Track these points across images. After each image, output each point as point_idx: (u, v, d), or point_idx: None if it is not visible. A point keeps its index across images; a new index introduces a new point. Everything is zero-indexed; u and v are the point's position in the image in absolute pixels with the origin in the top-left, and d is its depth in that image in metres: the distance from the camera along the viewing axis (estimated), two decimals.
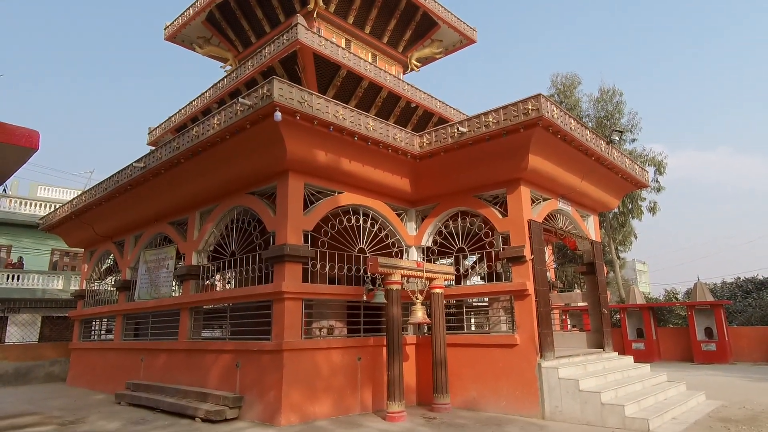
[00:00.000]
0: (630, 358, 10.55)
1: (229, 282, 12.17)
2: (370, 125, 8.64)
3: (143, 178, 10.38)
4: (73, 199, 13.83)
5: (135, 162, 10.59)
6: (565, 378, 7.82)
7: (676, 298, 24.86)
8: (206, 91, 13.68)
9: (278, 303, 8.01)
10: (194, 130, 8.87)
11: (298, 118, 7.62)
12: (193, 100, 14.14)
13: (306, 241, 8.40)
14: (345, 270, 9.03)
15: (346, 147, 8.55)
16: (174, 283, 11.38)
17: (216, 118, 8.38)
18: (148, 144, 15.76)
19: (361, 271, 9.19)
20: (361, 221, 9.48)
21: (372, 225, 9.72)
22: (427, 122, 14.05)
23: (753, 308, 21.34)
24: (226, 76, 13.21)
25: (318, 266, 8.59)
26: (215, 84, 13.41)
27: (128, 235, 12.90)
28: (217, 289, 11.83)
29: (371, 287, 8.89)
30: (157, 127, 15.64)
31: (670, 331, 19.95)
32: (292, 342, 7.74)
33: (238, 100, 7.84)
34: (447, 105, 14.35)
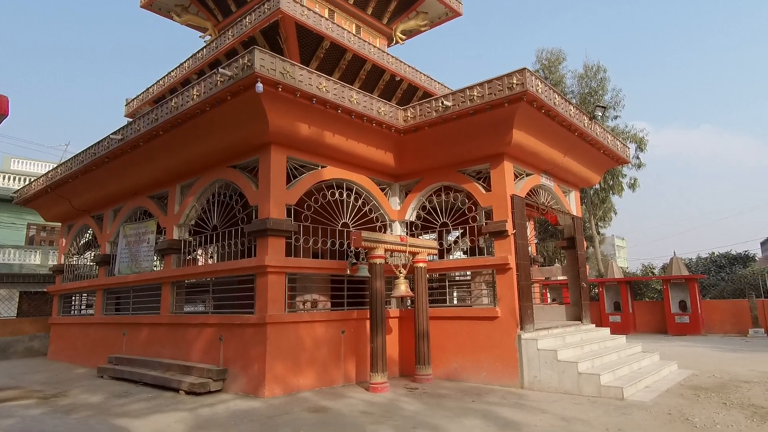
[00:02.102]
0: (607, 330, 10.84)
1: (211, 257, 12.08)
2: (353, 98, 8.52)
3: (121, 151, 10.14)
4: (49, 171, 13.47)
5: (112, 134, 10.32)
6: (543, 349, 8.01)
7: (653, 273, 25.50)
8: (185, 62, 13.30)
9: (261, 277, 7.99)
10: (173, 101, 8.65)
11: (280, 89, 7.46)
12: (172, 71, 13.75)
13: (289, 215, 8.34)
14: (329, 244, 9.02)
15: (329, 120, 8.43)
16: (155, 258, 11.25)
17: (195, 90, 8.16)
18: (126, 116, 15.36)
19: (345, 246, 9.20)
20: (344, 196, 9.44)
21: (356, 199, 9.69)
22: (412, 96, 13.91)
23: (725, 282, 22.05)
24: (205, 47, 12.84)
25: (301, 240, 8.56)
26: (194, 54, 13.04)
27: (107, 209, 12.66)
28: (200, 263, 11.74)
29: (355, 261, 8.91)
30: (135, 98, 15.21)
31: (646, 304, 20.52)
32: (275, 315, 7.77)
33: (218, 70, 7.64)
34: (432, 79, 14.21)
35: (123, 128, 10.07)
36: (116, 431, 5.74)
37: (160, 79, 14.12)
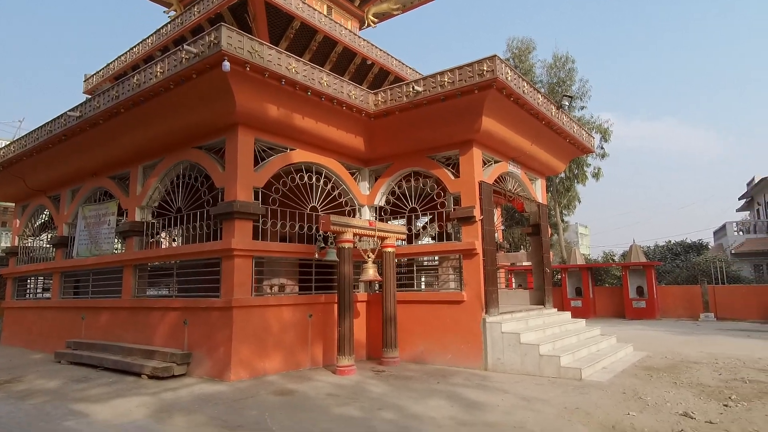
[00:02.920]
0: (568, 314, 11.19)
1: (175, 240, 11.80)
2: (324, 80, 8.40)
3: (79, 129, 9.72)
4: (1, 149, 12.81)
5: (70, 111, 9.87)
6: (507, 332, 8.22)
7: (613, 260, 26.43)
8: (148, 38, 12.81)
9: (227, 260, 7.87)
10: (135, 78, 8.33)
11: (248, 69, 7.28)
12: (134, 47, 13.22)
13: (256, 198, 8.22)
14: (297, 228, 8.94)
15: (298, 102, 8.30)
16: (116, 240, 10.91)
17: (159, 66, 7.87)
18: (85, 93, 14.71)
19: (314, 230, 9.14)
20: (314, 179, 9.35)
21: (325, 183, 9.61)
22: (383, 81, 13.82)
23: (680, 269, 23.07)
24: (170, 22, 12.37)
25: (269, 224, 8.46)
26: (158, 30, 12.56)
27: (64, 189, 12.17)
28: (163, 246, 11.46)
29: (323, 245, 8.88)
30: (94, 74, 14.58)
31: (606, 290, 21.29)
32: (241, 299, 7.68)
33: (183, 47, 7.39)
34: (403, 64, 14.15)
35: (81, 105, 9.65)
36: (75, 417, 5.60)
37: (122, 55, 13.56)
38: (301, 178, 9.14)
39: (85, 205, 11.45)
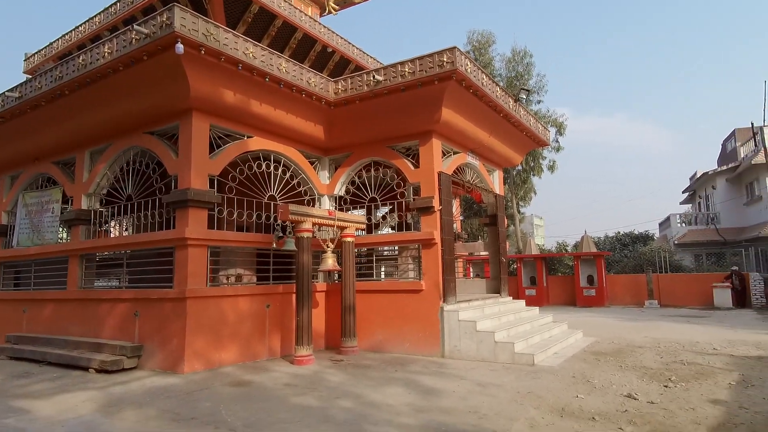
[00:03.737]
0: (522, 302, 11.53)
1: (126, 229, 11.33)
2: (282, 66, 8.22)
3: (19, 110, 9.14)
4: None
5: (8, 91, 9.26)
6: (464, 320, 8.39)
7: (566, 250, 27.37)
8: (95, 16, 12.14)
9: (181, 250, 7.63)
10: (81, 58, 7.89)
11: (203, 52, 7.02)
12: (80, 25, 12.51)
13: (212, 186, 7.99)
14: (254, 217, 8.77)
15: (256, 88, 8.10)
16: (61, 229, 10.38)
17: (107, 47, 7.48)
18: (25, 72, 13.83)
19: (272, 219, 8.99)
20: (272, 168, 9.18)
21: (283, 172, 9.46)
22: (344, 69, 13.67)
23: (628, 258, 24.17)
24: (119, 0, 11.77)
25: (225, 213, 8.25)
26: (106, 9, 11.92)
27: (3, 174, 11.45)
28: (112, 235, 10.99)
29: (281, 235, 8.76)
30: (36, 53, 13.72)
31: (559, 278, 22.05)
32: (196, 289, 7.48)
33: (133, 27, 7.05)
34: (364, 53, 14.04)
35: (21, 85, 9.07)
36: (15, 414, 5.31)
37: (67, 34, 12.82)
38: (259, 166, 8.96)
39: (26, 191, 10.82)
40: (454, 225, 10.91)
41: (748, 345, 9.30)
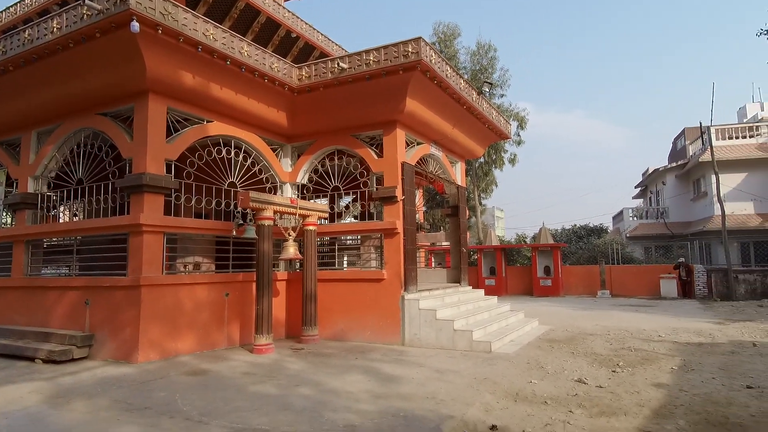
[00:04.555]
0: (481, 292, 11.79)
1: (75, 214, 10.84)
2: (244, 50, 8.02)
3: None
4: None
5: None
6: (424, 308, 8.51)
7: (524, 241, 28.10)
8: None
9: (135, 236, 7.38)
10: (27, 32, 7.45)
11: (160, 32, 6.76)
12: None
13: (169, 171, 7.74)
14: (214, 204, 8.57)
15: (217, 71, 7.87)
16: (4, 213, 9.83)
17: (56, 21, 7.09)
18: None
19: (232, 206, 8.81)
20: (232, 154, 8.97)
21: (244, 159, 9.27)
22: (308, 56, 13.47)
23: (583, 250, 25.05)
24: None
25: (183, 199, 8.03)
26: None
27: None
28: (62, 221, 10.51)
29: (241, 222, 8.61)
30: None
31: (517, 269, 22.64)
32: (151, 277, 7.26)
33: (84, 1, 6.70)
34: (329, 39, 13.86)
35: None
36: None
37: (11, 6, 12.06)
38: (219, 152, 8.74)
39: None
40: (417, 215, 11.01)
41: (690, 332, 9.84)
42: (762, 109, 31.24)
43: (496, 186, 30.89)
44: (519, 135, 29.23)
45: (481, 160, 28.53)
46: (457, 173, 12.18)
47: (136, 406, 4.97)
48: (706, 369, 6.54)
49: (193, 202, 8.22)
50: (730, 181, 23.19)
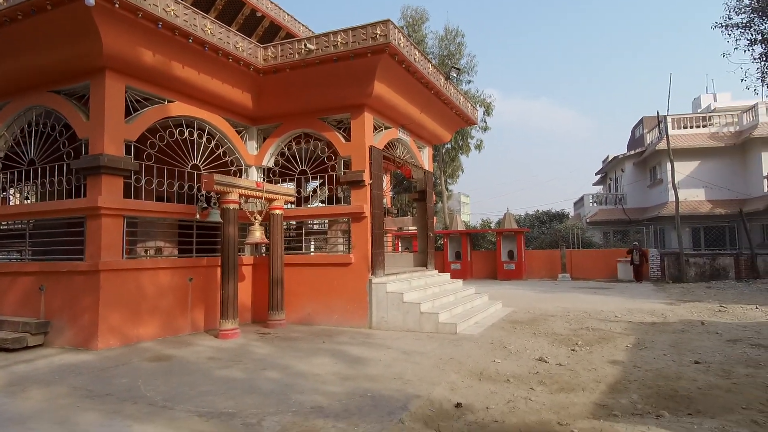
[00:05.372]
0: (447, 275, 11.97)
1: (27, 197, 10.33)
2: (207, 28, 7.76)
3: None
4: None
5: None
6: (392, 292, 8.59)
7: (489, 226, 28.62)
8: None
9: (93, 220, 7.12)
10: None
11: (117, 6, 6.45)
12: None
13: (128, 152, 7.48)
14: (176, 187, 8.34)
15: (178, 49, 7.60)
16: None
17: None
18: None
19: (195, 189, 8.60)
20: (195, 135, 8.73)
21: (208, 141, 9.04)
22: (274, 36, 13.14)
23: (545, 235, 25.73)
24: None
25: (143, 181, 7.77)
26: None
27: None
28: (12, 203, 10.01)
29: (206, 206, 8.42)
30: None
31: (482, 253, 23.08)
32: (110, 262, 7.04)
33: None
34: (295, 20, 13.56)
35: None
36: None
37: None
38: (181, 133, 8.48)
39: None
40: (384, 200, 11.03)
41: (644, 313, 10.31)
42: (715, 100, 32.62)
43: (463, 172, 31.26)
44: (485, 121, 29.55)
45: (448, 145, 28.74)
46: (425, 158, 12.25)
47: (96, 392, 4.85)
48: (658, 346, 6.88)
49: (154, 184, 7.97)
50: (684, 169, 24.20)
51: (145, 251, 8.59)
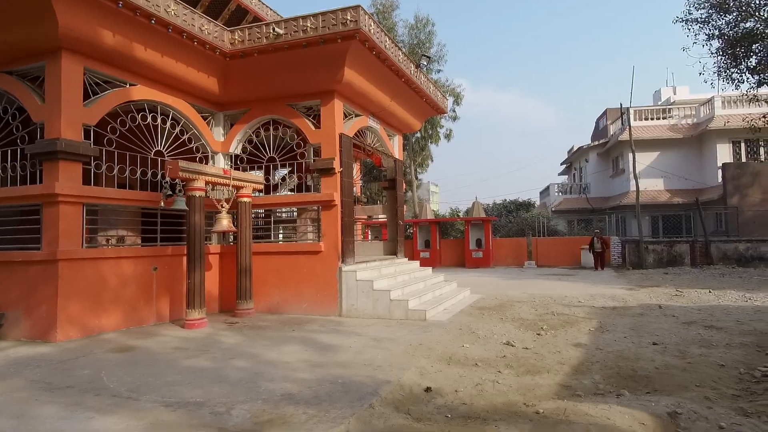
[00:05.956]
0: (417, 263, 12.07)
1: None
2: (171, 9, 7.49)
3: None
4: None
5: None
6: (362, 280, 8.60)
7: (458, 215, 28.94)
8: None
9: (50, 207, 6.82)
10: None
11: None
12: None
13: (88, 137, 7.19)
14: (139, 174, 8.08)
15: (140, 31, 7.31)
16: None
17: None
18: None
19: (159, 176, 8.35)
20: (159, 121, 8.46)
21: (172, 126, 8.77)
22: (241, 20, 12.80)
23: (512, 224, 26.22)
24: None
25: (104, 168, 7.50)
26: None
27: None
28: None
29: (170, 193, 8.19)
30: None
31: (451, 242, 23.34)
32: (69, 251, 6.78)
33: None
34: (263, 3, 13.23)
35: None
36: None
37: None
38: (144, 118, 8.21)
39: None
40: (354, 188, 10.99)
41: (605, 298, 10.67)
42: (675, 93, 33.74)
43: (432, 161, 31.43)
44: (455, 111, 29.74)
45: (418, 134, 28.82)
46: (395, 146, 12.24)
47: (56, 385, 4.69)
48: (618, 329, 7.14)
49: (115, 171, 7.70)
50: (644, 159, 25.02)
51: (107, 240, 8.32)
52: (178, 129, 8.88)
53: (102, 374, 5.03)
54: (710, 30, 15.65)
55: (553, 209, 31.09)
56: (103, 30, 6.90)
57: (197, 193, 7.75)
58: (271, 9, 13.54)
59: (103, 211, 7.87)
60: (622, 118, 27.68)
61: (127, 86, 7.84)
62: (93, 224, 7.49)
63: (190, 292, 7.68)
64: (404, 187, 13.15)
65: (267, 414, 3.88)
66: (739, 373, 4.92)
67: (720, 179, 22.98)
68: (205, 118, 9.46)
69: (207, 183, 7.97)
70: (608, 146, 29.73)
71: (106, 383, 4.73)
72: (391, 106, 10.71)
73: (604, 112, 35.63)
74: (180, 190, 8.21)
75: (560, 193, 32.75)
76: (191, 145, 9.22)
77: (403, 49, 11.71)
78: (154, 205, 8.18)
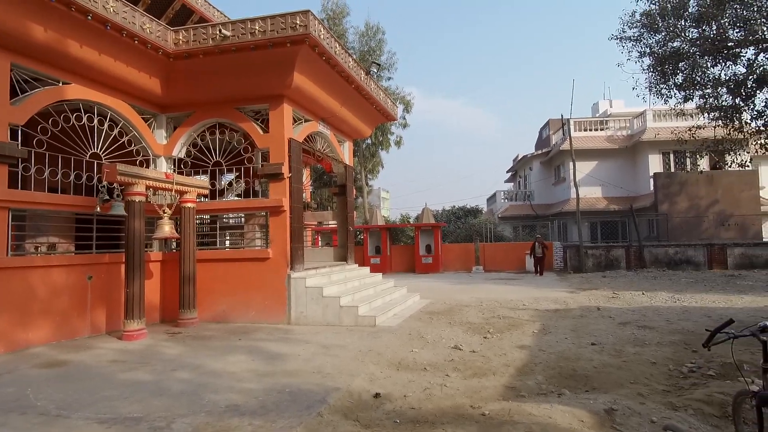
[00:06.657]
0: (367, 269, 12.06)
1: None
2: (110, 5, 7.15)
3: None
4: None
5: None
6: (311, 286, 8.49)
7: (408, 221, 29.26)
8: None
9: None
10: None
11: None
12: None
13: (15, 138, 6.71)
14: (72, 177, 7.62)
15: (75, 27, 6.92)
16: None
17: None
18: None
19: (95, 180, 7.92)
20: (95, 122, 8.03)
21: (110, 128, 8.35)
22: (186, 20, 12.42)
23: (461, 229, 26.81)
24: None
25: (33, 170, 7.02)
26: None
27: None
28: None
29: (107, 198, 7.77)
30: None
31: (401, 248, 23.55)
32: None
33: None
34: (209, 4, 12.90)
35: None
36: None
37: None
38: (79, 118, 7.77)
39: None
40: (304, 194, 10.86)
41: (548, 301, 11.08)
42: (611, 106, 35.67)
43: (383, 167, 31.59)
44: (405, 118, 30.08)
45: (369, 141, 28.92)
46: (345, 152, 12.22)
47: None
48: (560, 331, 7.43)
49: (46, 174, 7.23)
50: (584, 168, 26.29)
51: (36, 248, 7.79)
52: (116, 131, 8.46)
53: (28, 391, 4.68)
54: (642, 48, 16.67)
55: (499, 215, 32.02)
56: (33, 24, 6.48)
57: (137, 198, 7.40)
58: (218, 10, 13.24)
59: (32, 217, 7.36)
60: (563, 129, 28.98)
61: (60, 84, 7.40)
62: (20, 230, 6.99)
63: (128, 302, 7.30)
64: (354, 193, 13.14)
65: (210, 427, 3.74)
66: (668, 369, 5.23)
67: (652, 188, 24.48)
68: (146, 120, 9.08)
69: (148, 187, 7.64)
70: (551, 155, 31.02)
71: (33, 401, 4.40)
72: (342, 112, 10.69)
73: (547, 123, 37.19)
74: (118, 195, 7.82)
75: (506, 200, 33.81)
76: (131, 148, 8.81)
77: (354, 56, 11.75)
78: (89, 210, 7.73)
